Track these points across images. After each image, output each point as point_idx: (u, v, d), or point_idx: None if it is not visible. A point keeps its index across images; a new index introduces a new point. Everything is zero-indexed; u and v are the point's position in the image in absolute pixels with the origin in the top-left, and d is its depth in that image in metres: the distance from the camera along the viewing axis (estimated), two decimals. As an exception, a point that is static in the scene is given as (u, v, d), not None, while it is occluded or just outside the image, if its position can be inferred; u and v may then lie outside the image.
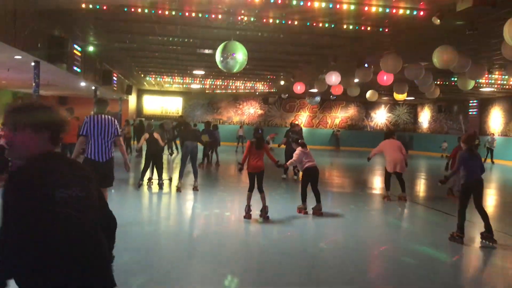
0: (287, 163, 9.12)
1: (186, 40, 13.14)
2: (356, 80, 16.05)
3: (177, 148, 20.96)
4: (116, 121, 6.73)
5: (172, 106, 32.62)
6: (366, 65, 14.59)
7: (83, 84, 17.80)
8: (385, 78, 14.56)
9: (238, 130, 28.89)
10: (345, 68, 15.22)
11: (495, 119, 26.46)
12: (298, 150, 8.65)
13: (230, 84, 24.73)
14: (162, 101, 32.44)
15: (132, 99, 29.13)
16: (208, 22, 10.87)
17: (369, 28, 10.73)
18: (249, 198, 7.91)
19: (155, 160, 10.83)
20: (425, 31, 10.59)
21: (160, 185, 10.69)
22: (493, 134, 25.54)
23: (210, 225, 7.67)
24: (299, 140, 8.94)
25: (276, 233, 7.13)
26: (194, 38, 12.89)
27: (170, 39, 13.10)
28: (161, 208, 9.39)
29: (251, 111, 33.47)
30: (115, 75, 20.35)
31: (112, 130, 6.51)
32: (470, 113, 28.75)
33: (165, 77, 23.59)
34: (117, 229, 2.25)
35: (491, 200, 12.32)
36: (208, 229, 7.34)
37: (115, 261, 2.97)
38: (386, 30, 10.71)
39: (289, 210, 8.69)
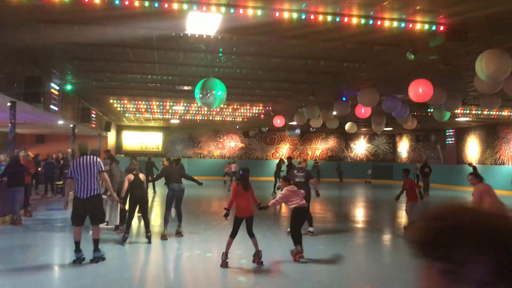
0: (269, 205, 8.10)
1: (165, 77, 13.16)
2: (334, 113, 16.23)
3: (154, 188, 19.81)
4: (98, 159, 7.63)
5: (152, 141, 32.39)
6: (344, 98, 14.79)
7: (61, 122, 17.60)
8: (363, 111, 14.74)
9: (229, 165, 25.15)
10: (323, 101, 15.40)
11: (472, 148, 26.95)
12: (285, 190, 8.03)
13: (211, 118, 24.76)
14: (141, 137, 32.21)
15: (111, 136, 28.87)
16: (187, 60, 10.93)
17: (345, 64, 10.93)
18: (229, 245, 7.28)
19: (140, 206, 9.17)
20: (401, 65, 10.83)
21: (149, 238, 8.93)
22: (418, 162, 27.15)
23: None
24: (285, 177, 8.63)
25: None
26: (172, 76, 12.92)
27: (149, 76, 13.11)
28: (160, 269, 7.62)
29: (231, 144, 33.46)
30: (94, 112, 20.19)
31: (95, 168, 7.37)
32: (447, 142, 29.25)
33: (144, 113, 23.51)
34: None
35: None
36: None
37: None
38: (363, 65, 10.92)
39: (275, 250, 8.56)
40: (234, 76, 12.36)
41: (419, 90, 10.51)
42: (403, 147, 34.63)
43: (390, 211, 16.10)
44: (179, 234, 9.61)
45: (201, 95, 10.76)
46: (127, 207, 9.01)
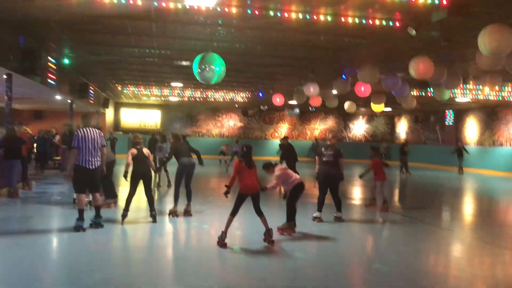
0: (268, 188, 7.64)
1: (163, 52, 13.01)
2: (334, 92, 16.13)
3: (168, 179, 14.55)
4: (101, 133, 7.94)
5: (150, 119, 32.27)
6: (344, 76, 14.68)
7: (58, 97, 17.48)
8: (363, 89, 14.65)
9: (233, 145, 23.53)
10: (323, 79, 15.29)
11: (471, 129, 26.92)
12: (279, 170, 7.81)
13: (209, 96, 24.62)
14: (140, 114, 32.06)
15: (109, 112, 28.74)
16: (185, 34, 10.79)
17: (346, 40, 10.81)
18: (229, 223, 6.86)
19: (143, 183, 8.51)
20: (402, 42, 10.71)
21: (154, 217, 8.43)
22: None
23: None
24: (266, 164, 8.04)
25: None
26: (171, 50, 12.78)
27: (147, 51, 12.96)
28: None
29: (230, 123, 33.38)
30: (92, 88, 20.02)
31: (99, 141, 7.77)
32: (447, 123, 29.19)
33: (142, 89, 23.35)
34: None
35: (468, 208, 12.43)
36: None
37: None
38: (363, 41, 10.79)
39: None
40: (233, 51, 12.22)
41: (420, 67, 10.43)
42: (402, 128, 34.58)
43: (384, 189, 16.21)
44: (187, 213, 9.17)
45: (199, 70, 10.68)
46: (128, 182, 8.29)
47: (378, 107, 19.22)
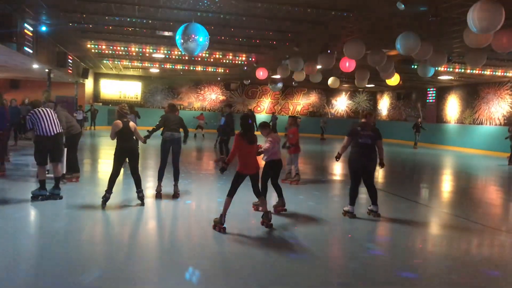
0: (263, 149, 6.98)
1: (145, 21, 12.62)
2: (318, 66, 15.97)
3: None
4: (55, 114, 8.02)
5: (131, 90, 31.70)
6: (329, 51, 14.50)
7: (35, 66, 16.94)
8: (347, 65, 14.53)
9: (219, 117, 21.43)
10: (308, 53, 15.11)
11: (452, 107, 27.15)
12: (272, 137, 7.17)
13: (191, 68, 24.22)
14: (120, 85, 31.45)
15: (88, 83, 28.11)
16: (168, 2, 10.45)
17: (332, 13, 10.62)
18: (227, 205, 6.19)
19: (129, 161, 7.59)
20: (389, 17, 10.57)
21: (141, 199, 7.55)
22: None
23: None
24: (264, 123, 7.40)
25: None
26: (153, 19, 12.40)
27: (128, 19, 12.56)
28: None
29: (212, 96, 33.03)
30: (70, 57, 19.49)
31: (54, 117, 7.86)
32: (428, 101, 29.39)
33: (123, 60, 22.81)
34: None
35: (447, 186, 12.59)
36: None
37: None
38: (351, 14, 10.61)
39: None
40: (218, 22, 11.92)
41: (407, 43, 10.33)
42: (384, 104, 34.74)
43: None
44: (176, 195, 8.27)
45: (182, 41, 10.39)
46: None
47: (361, 83, 19.07)
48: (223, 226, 6.14)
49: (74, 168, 9.56)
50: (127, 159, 7.62)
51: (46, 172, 8.02)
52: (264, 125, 7.35)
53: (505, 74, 20.03)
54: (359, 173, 7.40)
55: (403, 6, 8.57)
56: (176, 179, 8.37)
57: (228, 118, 14.32)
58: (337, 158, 7.61)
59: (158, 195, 8.19)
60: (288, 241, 6.01)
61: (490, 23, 7.19)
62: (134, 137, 7.56)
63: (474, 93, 25.10)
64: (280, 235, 6.24)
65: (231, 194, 6.21)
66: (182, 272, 4.62)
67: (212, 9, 10.75)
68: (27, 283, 4.30)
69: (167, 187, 8.62)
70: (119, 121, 7.33)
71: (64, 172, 9.36)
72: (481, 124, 24.60)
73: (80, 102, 25.20)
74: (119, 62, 23.60)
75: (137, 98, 31.46)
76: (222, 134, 14.33)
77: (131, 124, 7.46)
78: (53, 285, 4.16)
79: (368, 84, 23.35)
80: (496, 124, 23.43)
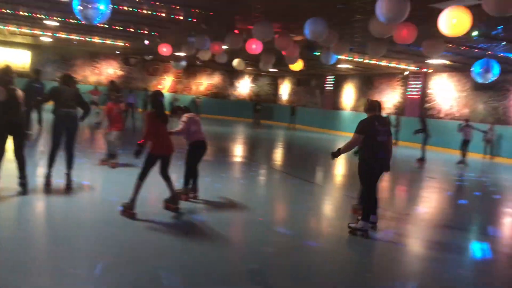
0: (173, 132, 6.53)
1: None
2: (224, 47, 15.67)
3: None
4: None
5: (18, 59, 28.81)
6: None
7: None
8: (254, 47, 14.41)
9: (126, 94, 19.36)
10: (215, 32, 14.71)
11: (348, 95, 28.50)
12: (186, 118, 6.71)
13: (88, 40, 22.56)
14: (5, 53, 28.45)
15: (-34, 48, 25.04)
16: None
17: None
18: (138, 189, 5.72)
19: (13, 138, 6.30)
20: (299, 1, 10.55)
21: (23, 185, 6.33)
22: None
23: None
24: (177, 107, 7.13)
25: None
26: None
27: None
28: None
29: (109, 71, 31.24)
30: None
31: None
32: (326, 88, 30.55)
33: (10, 25, 20.50)
34: None
35: (340, 168, 13.08)
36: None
37: None
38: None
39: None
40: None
41: (315, 28, 10.42)
42: (285, 89, 35.53)
43: (266, 147, 17.20)
44: (68, 187, 6.87)
45: (81, 7, 9.45)
46: None
47: (266, 67, 19.15)
48: (133, 212, 5.67)
49: None
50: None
51: None
52: (174, 110, 7.06)
53: (398, 66, 21.37)
54: (376, 176, 6.02)
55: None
56: (69, 167, 6.95)
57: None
58: (336, 155, 6.10)
59: (48, 184, 6.83)
60: (198, 226, 5.74)
61: (397, 13, 7.44)
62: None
63: (369, 83, 26.55)
64: (189, 220, 5.96)
65: (142, 177, 5.78)
66: (84, 264, 4.16)
67: (115, -26, 9.91)
68: None
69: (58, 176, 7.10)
70: (1, 88, 5.97)
71: None
72: (374, 112, 26.08)
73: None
74: (4, 27, 21.19)
75: (24, 68, 28.71)
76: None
77: (19, 92, 6.22)
78: None
79: (271, 68, 23.60)
80: (388, 113, 25.03)
